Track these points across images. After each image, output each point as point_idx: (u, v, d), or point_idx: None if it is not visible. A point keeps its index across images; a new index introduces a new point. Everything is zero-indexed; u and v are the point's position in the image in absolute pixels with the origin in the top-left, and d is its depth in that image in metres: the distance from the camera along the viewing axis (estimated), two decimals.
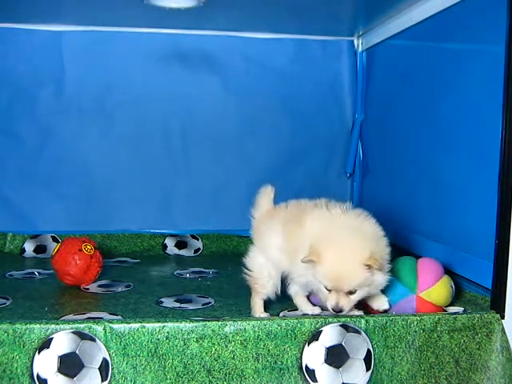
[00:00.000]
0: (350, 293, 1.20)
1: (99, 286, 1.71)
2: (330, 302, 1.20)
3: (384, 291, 1.39)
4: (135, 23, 2.16)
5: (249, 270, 1.42)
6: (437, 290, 1.36)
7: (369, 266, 1.18)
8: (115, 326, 1.12)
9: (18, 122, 2.18)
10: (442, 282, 1.38)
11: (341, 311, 1.20)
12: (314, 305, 1.43)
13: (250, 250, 1.44)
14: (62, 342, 1.09)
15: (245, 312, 1.45)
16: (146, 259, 2.13)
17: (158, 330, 1.13)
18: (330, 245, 1.19)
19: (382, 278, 1.23)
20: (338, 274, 1.19)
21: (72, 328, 1.10)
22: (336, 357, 1.16)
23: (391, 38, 2.04)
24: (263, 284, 1.39)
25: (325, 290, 1.22)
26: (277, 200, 1.50)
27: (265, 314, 1.39)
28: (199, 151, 2.30)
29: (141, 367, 1.12)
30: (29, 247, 2.16)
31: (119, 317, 1.40)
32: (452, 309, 1.39)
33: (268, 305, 1.44)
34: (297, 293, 1.43)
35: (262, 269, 1.40)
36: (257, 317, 1.37)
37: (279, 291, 1.40)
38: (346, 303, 1.20)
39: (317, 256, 1.19)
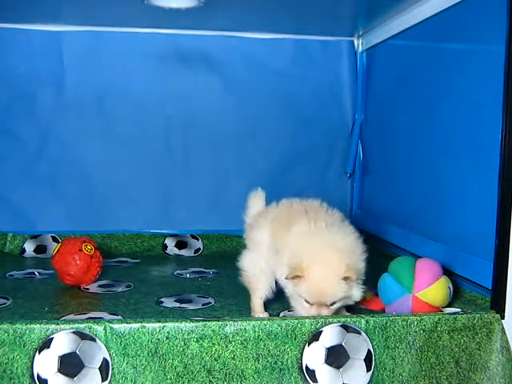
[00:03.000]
0: (331, 304, 1.24)
1: (99, 286, 1.71)
2: (312, 312, 1.23)
3: (381, 290, 1.42)
4: (135, 23, 2.16)
5: (243, 269, 1.43)
6: (433, 291, 1.36)
7: (346, 279, 1.21)
8: (115, 325, 1.12)
9: (18, 122, 2.18)
10: (440, 282, 1.38)
11: None
12: None
13: (242, 252, 1.46)
14: (63, 342, 1.09)
15: (245, 312, 1.45)
16: (146, 259, 2.13)
17: (158, 329, 1.13)
18: (312, 262, 1.22)
19: (358, 291, 1.26)
20: (322, 289, 1.22)
21: (72, 328, 1.10)
22: (336, 357, 1.16)
23: (391, 39, 2.04)
24: (257, 280, 1.41)
25: (306, 303, 1.24)
26: (275, 201, 1.51)
27: (265, 314, 1.39)
28: (199, 151, 2.30)
29: (141, 367, 1.12)
30: (29, 247, 2.16)
31: (119, 317, 1.40)
32: (449, 310, 1.39)
33: (268, 305, 1.44)
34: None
35: (255, 265, 1.41)
36: (257, 317, 1.37)
37: (274, 288, 1.41)
38: (327, 313, 1.23)
39: (301, 272, 1.21)
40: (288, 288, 1.28)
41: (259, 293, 1.41)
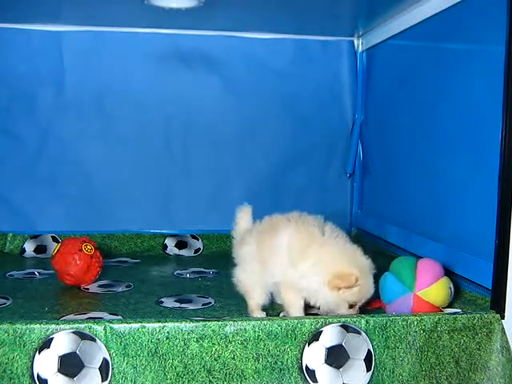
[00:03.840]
0: None
1: (99, 286, 1.71)
2: (353, 313, 1.28)
3: (382, 289, 1.43)
4: (135, 23, 2.16)
5: (238, 281, 1.44)
6: (434, 290, 1.36)
7: None
8: (115, 325, 1.12)
9: (18, 122, 2.18)
10: (441, 282, 1.38)
11: None
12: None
13: (234, 269, 1.46)
14: (63, 342, 1.09)
15: (245, 312, 1.45)
16: (146, 259, 2.13)
17: (158, 329, 1.13)
18: (364, 271, 1.28)
19: None
20: (370, 289, 1.30)
21: (72, 328, 1.10)
22: (336, 357, 1.16)
23: (391, 39, 2.04)
24: (253, 289, 1.41)
25: (348, 307, 1.28)
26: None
27: (262, 314, 1.40)
28: (199, 151, 2.30)
29: (141, 367, 1.12)
30: (29, 247, 2.16)
31: (119, 317, 1.40)
32: (449, 310, 1.39)
33: (268, 305, 1.43)
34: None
35: (248, 277, 1.41)
36: (255, 316, 1.38)
37: (270, 296, 1.40)
38: None
39: (357, 280, 1.25)
40: (327, 298, 1.27)
41: (255, 300, 1.41)
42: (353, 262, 1.28)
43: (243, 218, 1.53)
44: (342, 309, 1.28)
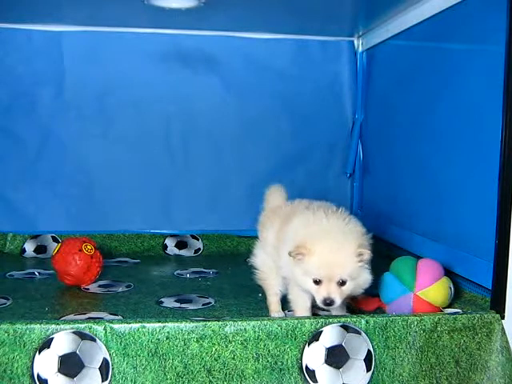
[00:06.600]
0: (341, 284, 1.19)
1: (99, 286, 1.71)
2: (321, 292, 1.19)
3: (382, 288, 1.43)
4: (135, 23, 2.16)
5: (255, 268, 1.46)
6: (434, 290, 1.37)
7: (359, 255, 1.19)
8: (115, 326, 1.12)
9: (18, 122, 2.18)
10: (441, 282, 1.39)
11: (332, 303, 1.18)
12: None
13: (254, 247, 1.50)
14: (63, 342, 1.09)
15: (245, 312, 1.45)
16: (147, 259, 2.13)
17: (158, 330, 1.13)
18: (321, 237, 1.20)
19: (368, 275, 1.24)
20: (332, 261, 1.18)
21: (72, 328, 1.10)
22: (336, 357, 1.16)
23: (391, 39, 2.04)
24: (269, 277, 1.43)
25: (313, 284, 1.20)
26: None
27: (281, 314, 1.40)
28: (199, 151, 2.30)
29: (141, 367, 1.12)
30: (29, 247, 2.16)
31: (119, 317, 1.40)
32: (450, 310, 1.39)
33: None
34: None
35: (265, 263, 1.44)
36: (273, 316, 1.39)
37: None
38: (338, 294, 1.19)
39: (306, 249, 1.19)
40: (294, 272, 1.23)
41: (273, 289, 1.43)
42: (317, 233, 1.21)
43: (273, 196, 1.56)
44: (305, 283, 1.21)
